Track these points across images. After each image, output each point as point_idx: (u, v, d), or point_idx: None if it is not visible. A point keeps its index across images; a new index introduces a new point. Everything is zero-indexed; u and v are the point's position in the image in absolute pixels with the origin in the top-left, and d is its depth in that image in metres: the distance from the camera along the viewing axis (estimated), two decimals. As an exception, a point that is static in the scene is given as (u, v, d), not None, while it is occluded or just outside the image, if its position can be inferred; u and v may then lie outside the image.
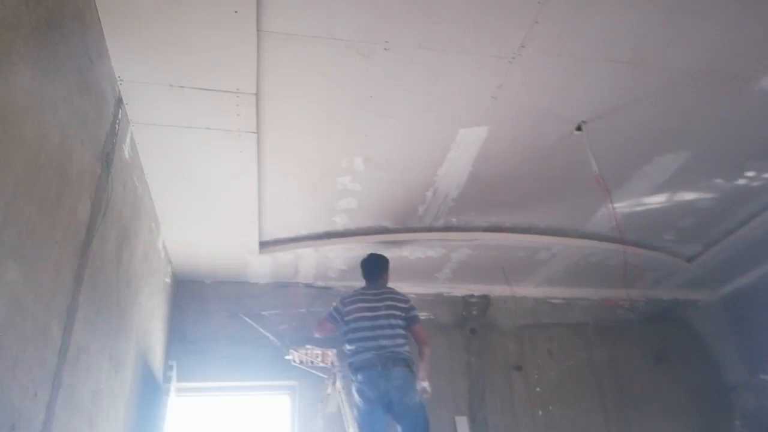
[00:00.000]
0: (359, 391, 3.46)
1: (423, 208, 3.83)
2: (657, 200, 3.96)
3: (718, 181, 3.81)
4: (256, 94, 2.60)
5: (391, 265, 3.99)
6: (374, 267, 3.94)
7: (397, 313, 3.66)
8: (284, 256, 4.22)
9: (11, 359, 1.54)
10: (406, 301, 3.78)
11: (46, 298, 1.78)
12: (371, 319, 3.63)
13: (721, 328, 5.37)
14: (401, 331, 3.62)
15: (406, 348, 3.57)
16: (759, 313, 5.07)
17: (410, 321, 3.69)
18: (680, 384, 5.06)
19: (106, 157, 2.34)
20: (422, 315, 4.86)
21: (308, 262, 4.38)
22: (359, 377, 3.47)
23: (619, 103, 2.97)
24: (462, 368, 4.77)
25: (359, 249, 4.20)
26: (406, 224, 4.01)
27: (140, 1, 2.11)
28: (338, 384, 3.84)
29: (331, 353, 4.02)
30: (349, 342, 3.62)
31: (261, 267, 4.37)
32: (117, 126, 2.47)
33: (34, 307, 1.69)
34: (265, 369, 4.31)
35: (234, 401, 4.54)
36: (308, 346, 4.07)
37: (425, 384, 3.46)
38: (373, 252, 4.05)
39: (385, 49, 2.50)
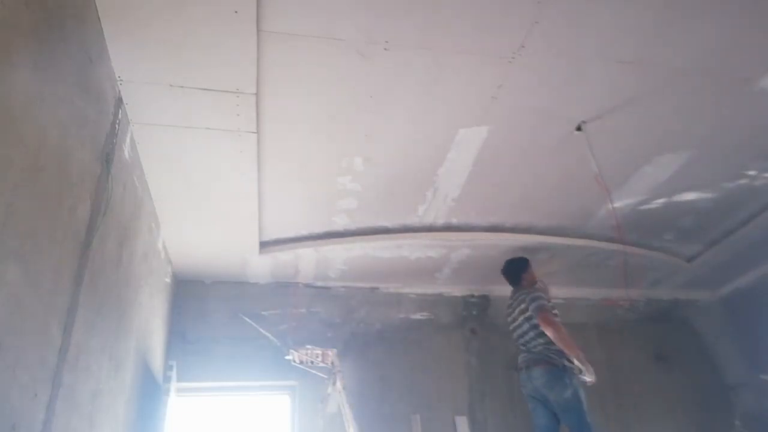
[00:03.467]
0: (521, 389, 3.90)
1: (423, 208, 3.83)
2: (657, 200, 3.96)
3: (718, 181, 3.81)
4: (256, 94, 2.60)
5: (528, 264, 4.15)
6: (510, 273, 4.17)
7: (528, 313, 3.80)
8: (284, 256, 4.22)
9: (11, 359, 1.54)
10: (529, 294, 3.83)
11: (46, 298, 1.78)
12: (514, 327, 3.96)
13: (721, 328, 5.37)
14: (539, 335, 3.72)
15: (551, 346, 3.65)
16: (759, 313, 5.07)
17: (534, 314, 3.73)
18: (680, 384, 5.06)
19: (106, 157, 2.34)
20: (422, 315, 4.91)
21: (308, 262, 4.38)
22: (519, 377, 3.91)
23: (619, 103, 2.97)
24: (462, 368, 4.77)
25: (359, 249, 4.21)
26: (406, 224, 4.01)
27: (140, 1, 2.11)
28: (338, 384, 3.84)
29: (331, 353, 4.02)
30: None
31: (261, 267, 4.37)
32: (117, 126, 2.47)
33: (34, 307, 1.69)
34: (265, 369, 4.31)
35: (234, 401, 4.54)
36: (308, 346, 4.07)
37: (576, 364, 3.47)
38: (510, 258, 4.22)
39: (385, 49, 2.50)
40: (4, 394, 1.51)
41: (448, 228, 4.08)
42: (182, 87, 2.50)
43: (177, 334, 4.32)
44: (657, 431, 4.81)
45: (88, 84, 2.10)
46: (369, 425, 4.01)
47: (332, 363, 3.98)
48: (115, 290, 2.62)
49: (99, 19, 2.13)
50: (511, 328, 4.02)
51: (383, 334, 4.76)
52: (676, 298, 5.44)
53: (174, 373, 3.71)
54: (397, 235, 4.06)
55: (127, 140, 2.67)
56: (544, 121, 3.07)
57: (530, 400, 3.83)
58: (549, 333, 3.61)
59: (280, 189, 3.47)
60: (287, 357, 4.05)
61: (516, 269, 4.14)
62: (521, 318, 3.86)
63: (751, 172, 3.73)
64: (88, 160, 2.11)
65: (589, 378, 3.45)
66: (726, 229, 4.42)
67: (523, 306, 3.84)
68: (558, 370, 3.59)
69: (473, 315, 5.03)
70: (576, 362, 3.49)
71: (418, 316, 4.93)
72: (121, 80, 2.43)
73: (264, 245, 4.03)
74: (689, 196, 3.95)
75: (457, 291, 5.04)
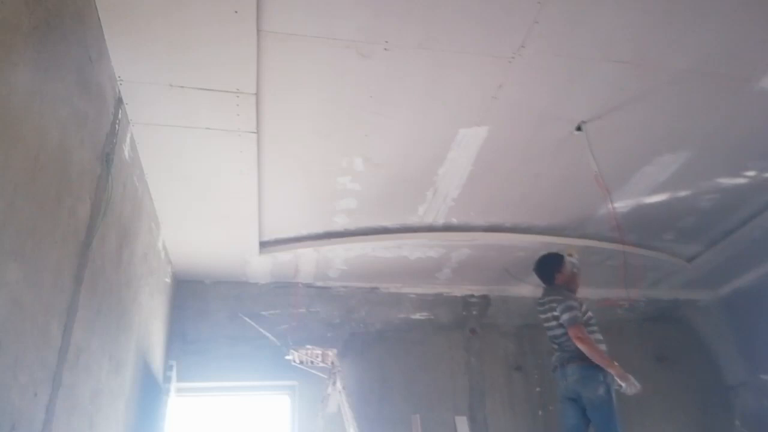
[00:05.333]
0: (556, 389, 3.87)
1: (423, 208, 3.83)
2: (657, 200, 3.96)
3: (718, 181, 3.81)
4: (256, 94, 2.60)
5: (563, 261, 3.92)
6: (543, 271, 3.98)
7: (555, 322, 3.75)
8: (284, 256, 4.22)
9: (11, 359, 1.54)
10: (561, 303, 3.72)
11: (46, 298, 1.78)
12: (547, 327, 3.86)
13: (721, 328, 5.37)
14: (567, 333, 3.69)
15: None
16: (759, 313, 5.07)
17: (565, 326, 3.65)
18: (680, 384, 5.06)
19: (106, 157, 2.33)
20: (422, 315, 4.91)
21: (308, 262, 4.38)
22: (553, 377, 3.88)
23: (619, 103, 2.97)
24: (462, 368, 4.77)
25: (359, 249, 4.21)
26: (406, 224, 4.01)
27: (140, 1, 2.11)
28: (338, 384, 3.84)
29: (332, 353, 4.02)
30: None
31: (261, 267, 4.37)
32: (117, 126, 2.47)
33: (34, 307, 1.69)
34: (265, 369, 4.31)
35: (234, 401, 4.54)
36: (308, 346, 4.07)
37: (619, 382, 3.46)
38: (543, 254, 4.02)
39: (385, 49, 2.50)
40: (4, 394, 1.51)
41: (448, 228, 4.08)
42: (182, 87, 2.50)
43: (177, 334, 4.32)
44: (657, 431, 4.81)
45: (88, 84, 2.10)
46: (369, 425, 4.01)
47: (332, 363, 3.98)
48: (115, 290, 2.62)
49: (99, 19, 2.13)
50: (544, 326, 3.96)
51: (383, 334, 4.76)
52: (676, 298, 5.44)
53: (174, 373, 3.71)
54: (397, 235, 4.06)
55: (127, 140, 2.67)
56: (544, 121, 3.07)
57: (562, 400, 3.76)
58: (582, 349, 3.56)
59: (280, 189, 3.47)
60: (287, 357, 4.05)
61: (550, 267, 3.94)
62: (553, 322, 3.79)
63: (751, 172, 3.73)
64: (88, 160, 2.11)
65: (631, 390, 3.42)
66: (726, 229, 4.42)
67: (555, 313, 3.74)
68: (592, 367, 3.56)
69: (473, 315, 5.03)
70: (616, 378, 3.45)
71: (418, 316, 4.93)
72: (121, 80, 2.43)
73: (264, 245, 4.03)
74: (689, 196, 3.94)
75: (457, 291, 5.04)
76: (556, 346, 3.85)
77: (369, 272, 4.61)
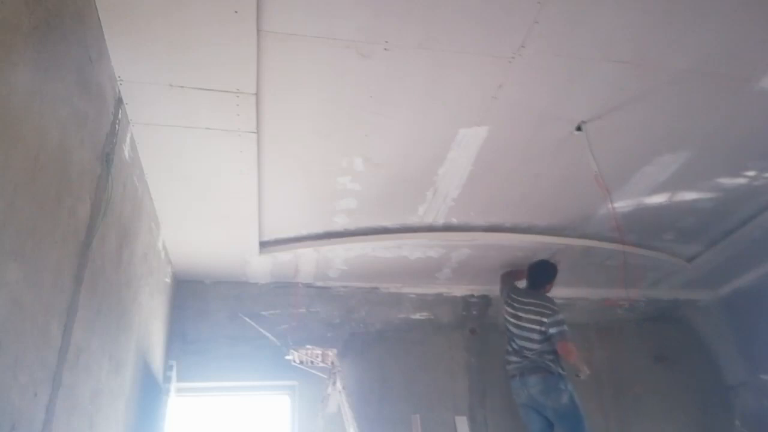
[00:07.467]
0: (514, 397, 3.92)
1: (423, 208, 3.83)
2: (657, 200, 3.95)
3: (718, 181, 3.81)
4: (256, 94, 2.60)
5: (556, 274, 4.16)
6: (536, 275, 4.13)
7: (537, 327, 3.80)
8: (284, 256, 4.22)
9: (11, 359, 1.54)
10: (551, 315, 3.80)
11: (46, 298, 1.78)
12: (515, 327, 3.90)
13: (721, 328, 5.37)
14: (541, 346, 3.75)
15: (546, 356, 3.70)
16: (759, 313, 5.07)
17: (553, 338, 3.73)
18: (680, 384, 5.06)
19: (106, 157, 2.33)
20: (422, 315, 4.91)
21: (308, 262, 4.38)
22: (511, 385, 3.89)
23: (619, 103, 2.97)
24: (462, 368, 4.77)
25: (359, 249, 4.22)
26: (406, 224, 4.01)
27: (140, 1, 2.11)
28: (338, 384, 3.84)
29: (332, 353, 4.02)
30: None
31: (261, 267, 4.37)
32: (117, 126, 2.47)
33: (34, 307, 1.69)
34: (265, 369, 4.31)
35: (234, 401, 4.54)
36: (308, 346, 4.07)
37: (581, 371, 3.61)
38: (544, 259, 4.19)
39: (385, 49, 2.49)
40: (4, 394, 1.51)
41: (448, 228, 4.08)
42: (182, 87, 2.50)
43: (177, 334, 4.32)
44: (657, 431, 4.82)
45: (88, 84, 2.10)
46: (369, 425, 4.01)
47: (332, 363, 3.98)
48: (115, 290, 2.62)
49: (99, 19, 2.13)
50: (512, 322, 3.96)
51: (383, 334, 4.76)
52: (676, 298, 5.44)
53: (174, 373, 3.71)
54: (397, 235, 4.06)
55: (127, 140, 2.67)
56: (544, 121, 3.07)
57: (523, 408, 3.83)
58: (568, 359, 3.66)
59: (280, 189, 3.47)
60: (287, 357, 4.06)
61: (545, 275, 4.13)
62: (536, 326, 3.83)
63: (751, 173, 3.73)
64: (88, 160, 2.11)
65: (584, 375, 3.58)
66: (726, 229, 4.42)
67: (544, 320, 3.81)
68: (554, 377, 3.61)
69: (473, 315, 5.03)
70: (579, 367, 3.59)
71: (418, 316, 4.93)
72: (121, 80, 2.43)
73: (264, 245, 4.03)
74: (689, 196, 3.94)
75: (457, 291, 5.04)
76: (514, 349, 3.84)
77: (369, 272, 4.61)
